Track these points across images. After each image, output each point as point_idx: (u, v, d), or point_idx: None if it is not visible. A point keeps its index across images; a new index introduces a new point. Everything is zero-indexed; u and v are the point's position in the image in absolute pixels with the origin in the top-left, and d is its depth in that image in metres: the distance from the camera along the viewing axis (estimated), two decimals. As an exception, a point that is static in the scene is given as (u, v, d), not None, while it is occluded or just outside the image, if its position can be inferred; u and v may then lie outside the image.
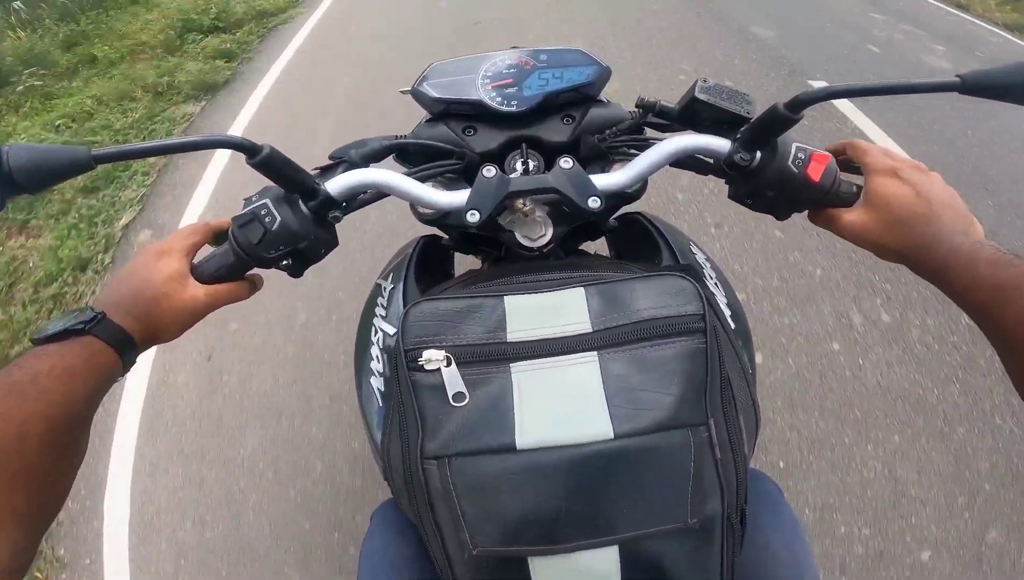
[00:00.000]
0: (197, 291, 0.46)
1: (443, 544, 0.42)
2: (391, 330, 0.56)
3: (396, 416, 0.44)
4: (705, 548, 0.41)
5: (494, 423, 0.40)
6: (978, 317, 0.37)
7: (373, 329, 0.58)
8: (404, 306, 0.58)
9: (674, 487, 0.40)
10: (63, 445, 0.36)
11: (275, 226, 0.45)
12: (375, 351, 0.56)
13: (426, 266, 0.66)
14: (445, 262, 0.77)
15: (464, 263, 0.86)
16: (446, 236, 0.73)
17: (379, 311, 0.59)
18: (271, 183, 0.46)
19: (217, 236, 0.51)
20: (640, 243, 0.66)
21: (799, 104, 0.42)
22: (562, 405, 0.40)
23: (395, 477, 0.46)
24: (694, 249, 0.64)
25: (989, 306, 0.36)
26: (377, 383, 0.54)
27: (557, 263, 0.58)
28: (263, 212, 0.45)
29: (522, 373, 0.41)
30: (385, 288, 0.61)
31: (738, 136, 0.48)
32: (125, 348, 0.42)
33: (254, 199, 0.47)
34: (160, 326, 0.45)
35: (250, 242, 0.45)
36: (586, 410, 0.39)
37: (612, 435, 0.39)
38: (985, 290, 0.36)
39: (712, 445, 0.40)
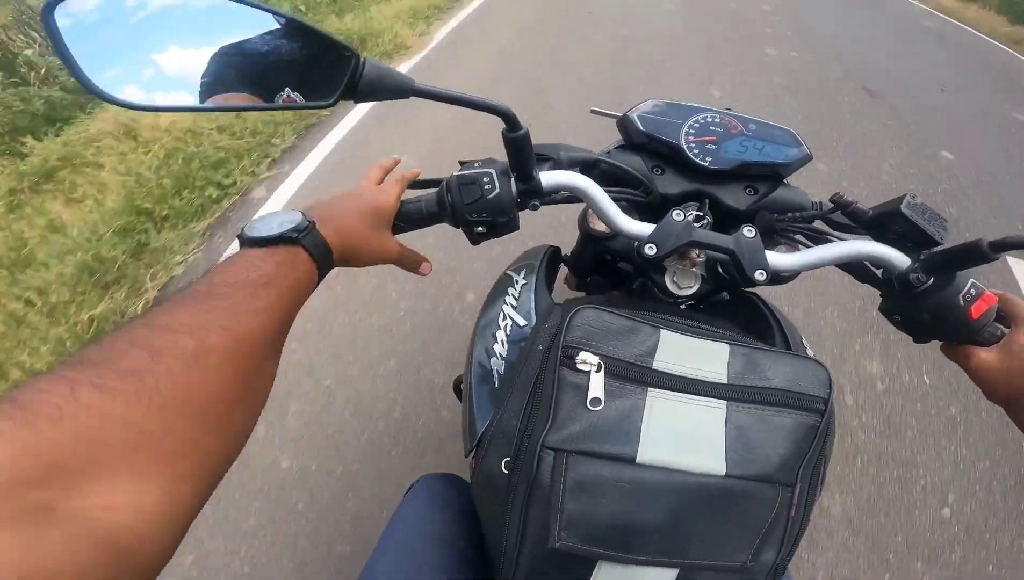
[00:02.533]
0: (393, 242, 0.52)
1: (522, 532, 0.44)
2: (522, 321, 0.60)
3: (522, 402, 0.48)
4: None
5: (620, 434, 0.43)
6: None
7: (502, 314, 0.62)
8: (535, 304, 0.62)
9: (748, 530, 0.44)
10: (251, 367, 0.31)
11: (491, 195, 0.49)
12: (500, 335, 0.59)
13: (546, 273, 0.70)
14: (554, 274, 0.81)
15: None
16: (567, 252, 0.77)
17: (510, 301, 0.63)
18: (487, 157, 0.51)
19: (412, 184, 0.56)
20: (750, 321, 0.69)
21: (1005, 246, 0.43)
22: (685, 436, 0.44)
23: (489, 457, 0.49)
24: (805, 342, 0.67)
25: None
26: (497, 365, 0.58)
27: (706, 316, 0.59)
28: (485, 179, 0.49)
29: (657, 399, 0.45)
30: (517, 281, 0.66)
31: (923, 257, 0.49)
32: (324, 262, 0.42)
33: (477, 165, 0.51)
34: (357, 253, 0.47)
35: (463, 201, 0.49)
36: (706, 446, 0.44)
37: (724, 473, 0.43)
38: None
39: (791, 504, 0.45)
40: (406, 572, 0.55)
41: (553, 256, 0.74)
